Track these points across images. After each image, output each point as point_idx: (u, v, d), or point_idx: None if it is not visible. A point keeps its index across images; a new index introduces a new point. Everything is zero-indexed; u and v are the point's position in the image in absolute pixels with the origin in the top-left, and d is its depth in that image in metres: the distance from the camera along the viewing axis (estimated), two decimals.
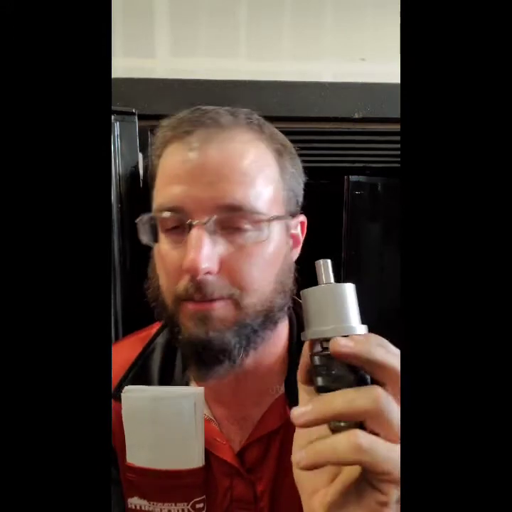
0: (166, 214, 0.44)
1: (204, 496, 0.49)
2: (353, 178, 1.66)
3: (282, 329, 0.52)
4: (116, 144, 1.02)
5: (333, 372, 0.32)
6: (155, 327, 0.59)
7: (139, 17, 1.07)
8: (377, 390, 0.30)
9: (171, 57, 1.09)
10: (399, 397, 0.30)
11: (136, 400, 0.49)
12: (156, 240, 0.47)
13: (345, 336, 0.32)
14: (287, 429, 0.48)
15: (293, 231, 0.51)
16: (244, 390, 0.51)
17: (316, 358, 0.33)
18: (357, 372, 0.32)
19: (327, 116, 1.13)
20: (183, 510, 0.49)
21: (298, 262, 0.52)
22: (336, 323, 0.33)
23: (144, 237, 0.47)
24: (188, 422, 0.48)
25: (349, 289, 0.34)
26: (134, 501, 0.50)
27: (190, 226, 0.43)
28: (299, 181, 0.51)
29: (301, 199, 0.52)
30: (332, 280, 0.35)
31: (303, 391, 0.37)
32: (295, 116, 1.12)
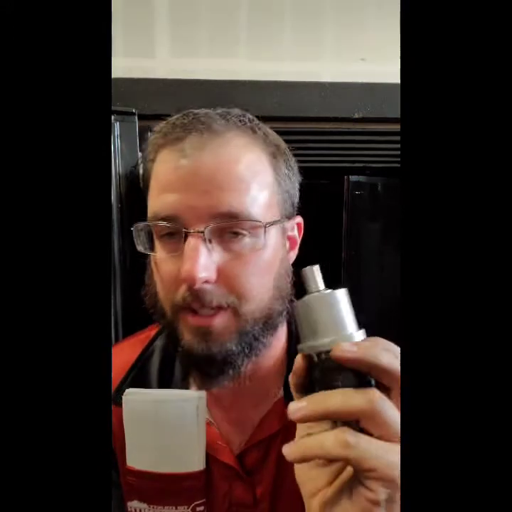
0: (161, 223, 0.44)
1: (204, 499, 0.49)
2: (353, 178, 1.66)
3: (281, 332, 0.52)
4: (116, 144, 1.02)
5: (335, 383, 0.31)
6: (154, 329, 0.59)
7: (139, 17, 1.07)
8: (374, 391, 0.30)
9: (171, 57, 1.09)
10: None
11: (138, 403, 0.49)
12: (152, 248, 0.47)
13: None
14: (287, 432, 0.48)
15: (290, 233, 0.50)
16: (243, 393, 0.50)
17: (316, 371, 0.32)
18: (360, 381, 0.31)
19: (327, 116, 1.13)
20: None
21: (297, 263, 0.51)
22: (334, 333, 0.32)
23: (140, 246, 0.47)
24: (190, 425, 0.47)
25: (342, 295, 0.33)
26: (134, 505, 0.50)
27: (186, 235, 0.42)
28: (293, 182, 0.50)
29: (296, 200, 0.51)
30: (322, 287, 0.33)
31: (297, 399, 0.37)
32: (295, 116, 1.12)
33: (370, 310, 1.56)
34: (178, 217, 0.43)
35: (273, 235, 0.46)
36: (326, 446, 0.30)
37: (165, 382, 0.53)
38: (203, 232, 0.42)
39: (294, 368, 0.34)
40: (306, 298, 0.33)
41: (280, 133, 0.51)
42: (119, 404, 0.49)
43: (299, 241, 0.52)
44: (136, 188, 1.05)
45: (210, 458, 0.50)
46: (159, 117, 0.49)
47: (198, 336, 0.44)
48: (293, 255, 0.52)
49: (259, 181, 0.45)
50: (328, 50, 1.11)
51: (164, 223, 0.44)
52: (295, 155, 0.52)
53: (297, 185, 0.51)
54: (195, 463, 0.48)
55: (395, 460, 0.29)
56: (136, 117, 1.04)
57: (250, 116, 0.48)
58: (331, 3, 1.10)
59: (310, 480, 0.35)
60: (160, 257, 0.45)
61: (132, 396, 0.49)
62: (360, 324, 0.33)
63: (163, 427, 0.48)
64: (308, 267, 0.34)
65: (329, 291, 0.33)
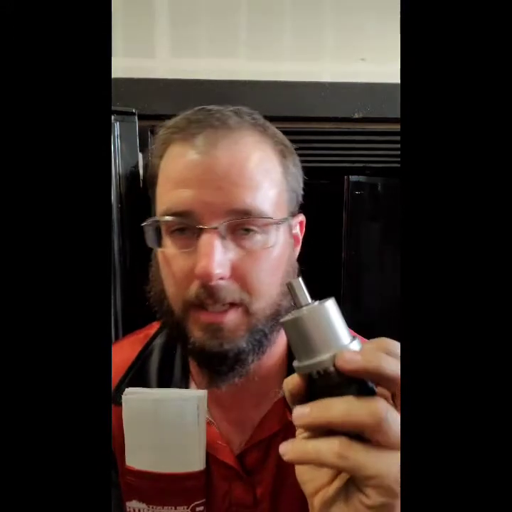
0: (174, 218, 0.43)
1: (204, 500, 0.49)
2: (353, 178, 1.66)
3: (282, 331, 0.52)
4: (116, 144, 1.02)
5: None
6: (154, 327, 0.59)
7: (139, 17, 1.07)
8: (378, 402, 0.29)
9: (171, 57, 1.09)
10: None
11: (138, 402, 0.48)
12: (160, 244, 0.46)
13: None
14: (287, 432, 0.48)
15: (294, 231, 0.51)
16: (243, 392, 0.50)
17: (317, 388, 0.31)
18: (362, 391, 0.30)
19: (327, 116, 1.13)
20: None
21: (298, 261, 0.52)
22: (332, 348, 0.31)
23: (150, 241, 0.46)
24: (191, 425, 0.47)
25: (331, 306, 0.32)
26: (133, 505, 0.50)
27: (200, 231, 0.42)
28: (299, 181, 0.51)
29: (300, 198, 0.52)
30: (309, 300, 0.32)
31: None
32: (295, 116, 1.12)
33: (370, 310, 1.56)
34: (193, 213, 0.43)
35: (282, 233, 0.46)
36: (322, 455, 0.29)
37: (164, 381, 0.53)
38: (217, 228, 0.42)
39: (289, 388, 0.33)
40: (296, 314, 0.32)
41: None
42: (119, 403, 0.49)
43: (301, 239, 0.53)
44: (136, 188, 1.05)
45: (210, 458, 0.50)
46: (159, 117, 0.49)
47: (209, 332, 0.44)
48: (296, 253, 0.52)
49: (270, 179, 0.45)
50: (328, 50, 1.11)
51: (178, 219, 0.43)
52: None
53: (302, 184, 0.52)
54: (196, 463, 0.48)
55: (395, 468, 0.28)
56: (136, 117, 1.03)
57: (259, 115, 0.48)
58: (331, 3, 1.10)
59: (310, 479, 0.35)
60: (170, 252, 0.45)
61: (132, 395, 0.49)
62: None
63: (163, 426, 0.48)
64: (294, 280, 0.33)
65: (317, 303, 0.32)
